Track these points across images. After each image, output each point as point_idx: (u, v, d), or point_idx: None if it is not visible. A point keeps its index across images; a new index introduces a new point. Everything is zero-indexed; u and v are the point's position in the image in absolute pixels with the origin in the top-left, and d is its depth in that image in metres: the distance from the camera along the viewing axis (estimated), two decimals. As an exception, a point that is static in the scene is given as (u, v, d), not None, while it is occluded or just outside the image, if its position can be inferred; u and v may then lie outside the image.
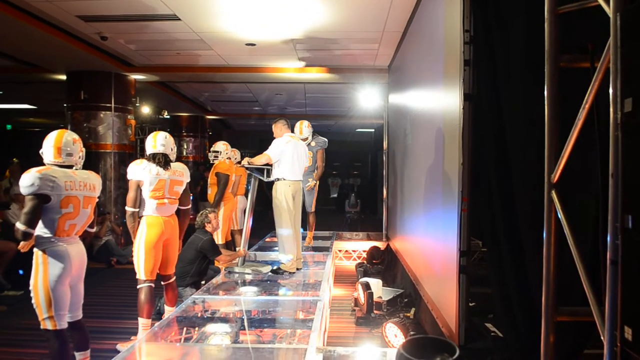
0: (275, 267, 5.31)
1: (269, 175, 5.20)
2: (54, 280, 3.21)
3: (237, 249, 5.37)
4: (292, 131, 5.66)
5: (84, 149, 3.51)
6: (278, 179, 5.16)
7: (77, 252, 3.35)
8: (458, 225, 3.34)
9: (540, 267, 2.07)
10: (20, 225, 3.12)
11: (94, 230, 3.58)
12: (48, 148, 3.34)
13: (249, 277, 5.11)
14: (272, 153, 5.10)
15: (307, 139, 5.78)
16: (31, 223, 3.13)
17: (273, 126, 5.36)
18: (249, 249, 6.70)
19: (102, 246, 7.90)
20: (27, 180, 3.12)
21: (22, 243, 3.22)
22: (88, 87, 8.54)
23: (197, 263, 4.97)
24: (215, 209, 6.14)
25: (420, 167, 5.05)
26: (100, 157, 8.66)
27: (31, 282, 3.22)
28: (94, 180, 3.45)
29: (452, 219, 3.47)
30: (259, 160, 5.10)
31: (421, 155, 4.98)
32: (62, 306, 3.25)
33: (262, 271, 5.17)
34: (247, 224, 5.36)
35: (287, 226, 5.18)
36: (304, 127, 5.94)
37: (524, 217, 2.78)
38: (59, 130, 3.43)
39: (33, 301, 3.22)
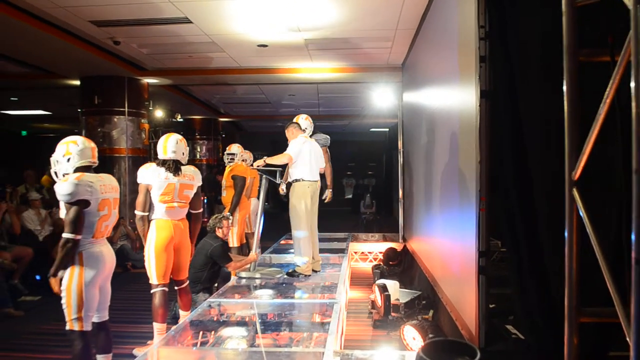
0: (290, 270, 5.32)
1: (280, 177, 5.22)
2: (88, 282, 3.29)
3: (250, 253, 5.37)
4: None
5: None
6: (297, 180, 5.18)
7: (109, 252, 3.47)
8: (476, 225, 3.31)
9: (560, 267, 2.04)
10: (68, 235, 3.21)
11: (116, 232, 3.70)
12: (81, 150, 3.42)
13: (260, 282, 5.11)
14: (292, 152, 5.13)
15: (304, 130, 5.71)
16: (78, 229, 3.24)
17: (286, 130, 5.40)
18: (263, 252, 6.73)
19: (118, 251, 7.92)
20: (67, 189, 3.22)
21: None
22: (101, 92, 8.64)
23: (208, 269, 4.98)
24: (231, 213, 6.17)
25: (436, 166, 5.02)
26: (114, 162, 8.76)
27: (64, 283, 3.28)
28: (115, 182, 3.60)
29: (470, 218, 3.44)
30: (280, 160, 5.10)
31: (437, 154, 4.97)
32: (91, 307, 3.32)
33: (274, 276, 5.16)
34: (258, 227, 5.36)
35: (304, 228, 5.20)
36: (300, 120, 5.81)
37: (543, 217, 2.75)
38: (80, 137, 3.53)
39: (63, 301, 3.28)
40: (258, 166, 5.13)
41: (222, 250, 5.03)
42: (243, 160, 6.91)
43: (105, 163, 8.48)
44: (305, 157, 5.17)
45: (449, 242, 4.41)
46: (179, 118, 12.25)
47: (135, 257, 7.95)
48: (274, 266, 5.86)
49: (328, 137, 6.00)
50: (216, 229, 5.18)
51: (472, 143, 3.41)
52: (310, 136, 5.65)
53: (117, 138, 8.75)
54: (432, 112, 5.34)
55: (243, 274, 5.21)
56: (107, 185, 3.44)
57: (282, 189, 5.65)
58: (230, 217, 5.71)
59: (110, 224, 3.48)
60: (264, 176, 5.22)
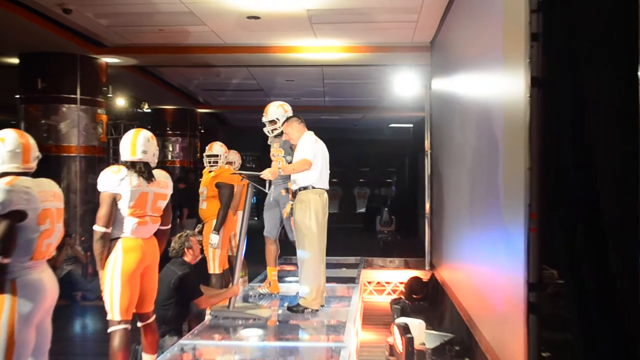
0: (293, 304, 5.30)
1: (270, 186, 5.21)
2: (22, 319, 3.23)
3: (230, 285, 5.32)
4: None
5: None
6: (305, 188, 5.20)
7: (50, 279, 3.42)
8: (525, 249, 3.30)
9: (638, 304, 2.01)
10: None
11: (55, 254, 3.64)
12: (11, 152, 3.40)
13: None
14: (309, 155, 5.14)
15: (275, 123, 5.64)
16: (8, 249, 3.18)
17: (285, 126, 5.41)
18: (250, 281, 6.67)
19: (64, 278, 7.91)
20: None
21: None
22: (47, 73, 8.66)
23: (174, 305, 4.95)
24: (217, 231, 6.14)
25: (473, 174, 5.03)
26: (62, 163, 8.76)
27: None
28: (57, 189, 3.56)
29: (516, 241, 3.44)
30: (300, 168, 5.11)
31: (475, 158, 4.97)
32: (24, 352, 3.26)
33: (261, 316, 5.09)
34: (241, 250, 5.29)
35: (314, 249, 5.19)
36: (270, 108, 5.64)
37: (614, 238, 2.72)
38: (15, 130, 3.51)
39: None
40: (242, 174, 5.15)
41: (188, 280, 4.99)
42: (229, 164, 6.89)
43: (50, 164, 8.44)
44: (316, 160, 5.19)
45: (489, 271, 4.40)
46: (146, 108, 12.25)
47: (86, 286, 7.94)
48: (264, 298, 5.81)
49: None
50: (184, 251, 5.16)
51: (519, 144, 3.40)
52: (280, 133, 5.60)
53: (66, 133, 8.76)
54: (468, 104, 5.35)
55: (218, 313, 5.14)
56: (47, 192, 3.40)
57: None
58: (197, 234, 5.67)
59: (54, 241, 3.45)
60: (250, 184, 5.19)
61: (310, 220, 5.15)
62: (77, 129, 8.79)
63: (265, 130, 5.73)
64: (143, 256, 4.13)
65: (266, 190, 5.19)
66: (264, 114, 5.74)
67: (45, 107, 8.73)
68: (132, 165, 4.16)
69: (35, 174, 3.49)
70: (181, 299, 4.99)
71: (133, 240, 4.12)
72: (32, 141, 3.53)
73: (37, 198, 3.31)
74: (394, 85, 9.15)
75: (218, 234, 6.17)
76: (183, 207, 11.52)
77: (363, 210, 18.81)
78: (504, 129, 3.88)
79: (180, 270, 5.01)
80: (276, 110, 5.68)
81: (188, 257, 5.17)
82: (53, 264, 7.85)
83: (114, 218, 4.09)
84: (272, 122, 5.67)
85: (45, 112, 8.73)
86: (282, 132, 5.54)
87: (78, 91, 8.79)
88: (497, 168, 4.08)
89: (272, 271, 5.87)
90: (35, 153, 3.52)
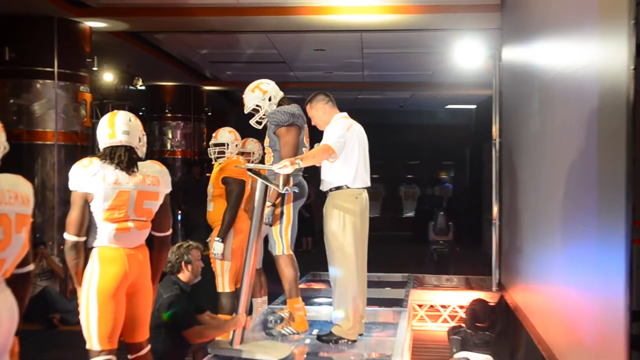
0: (325, 333, 5.31)
1: (286, 183, 5.14)
2: None
3: (235, 314, 5.28)
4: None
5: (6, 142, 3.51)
6: (337, 188, 5.24)
7: (6, 306, 3.28)
8: (626, 266, 3.28)
9: None
10: None
11: (28, 269, 3.57)
12: None
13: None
14: (333, 142, 5.12)
15: (257, 112, 5.56)
16: None
17: (309, 109, 5.44)
18: (270, 300, 6.68)
19: (38, 296, 7.99)
20: None
21: None
22: (15, 40, 8.70)
23: (164, 337, 5.00)
24: (222, 239, 6.17)
25: (556, 169, 5.01)
26: (36, 153, 8.83)
27: None
28: (25, 188, 3.44)
29: (615, 256, 3.41)
30: (319, 157, 5.11)
31: (559, 149, 4.94)
32: None
33: (274, 357, 5.06)
34: (250, 266, 5.16)
35: (349, 265, 5.21)
36: (245, 96, 5.61)
37: None
38: None
39: None
40: (249, 168, 5.10)
41: (179, 306, 5.02)
42: (240, 154, 6.93)
43: (21, 155, 8.56)
44: (351, 151, 5.21)
45: (578, 294, 4.36)
46: (140, 85, 12.33)
47: (66, 306, 8.00)
48: (284, 332, 5.73)
49: (288, 109, 5.52)
50: (181, 267, 5.20)
51: (619, 130, 3.37)
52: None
53: (41, 115, 8.83)
54: (551, 79, 5.30)
55: (217, 351, 5.08)
56: (4, 193, 3.24)
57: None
58: (200, 247, 5.69)
59: (11, 257, 3.26)
60: (260, 182, 5.10)
61: (344, 230, 5.17)
62: (54, 111, 8.85)
63: (251, 123, 5.69)
64: (125, 270, 4.14)
65: (281, 189, 5.05)
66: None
67: (15, 83, 8.79)
68: (111, 153, 4.18)
69: (2, 168, 3.45)
70: (172, 329, 5.03)
71: (112, 250, 4.14)
72: None
73: None
74: (452, 56, 9.18)
75: (223, 241, 6.20)
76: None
77: (412, 214, 18.83)
78: (599, 111, 3.85)
79: (168, 291, 5.06)
80: (251, 96, 5.62)
81: (184, 275, 5.22)
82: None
83: (87, 223, 4.12)
84: (255, 110, 5.64)
85: (15, 90, 8.78)
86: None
87: (55, 63, 8.82)
88: (589, 161, 4.06)
89: (293, 304, 5.58)
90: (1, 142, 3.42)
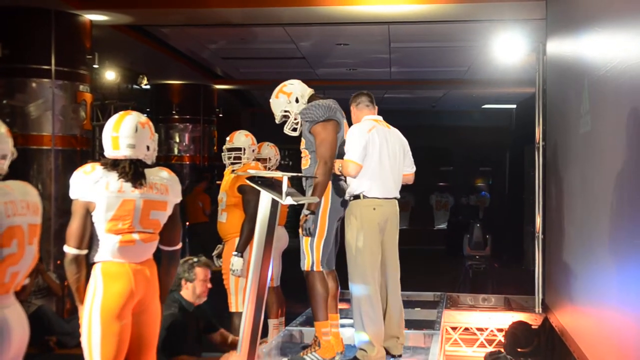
0: (350, 358, 5.31)
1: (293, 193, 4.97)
2: None
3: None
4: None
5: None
6: (355, 197, 5.31)
7: (19, 320, 3.44)
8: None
9: None
10: None
11: (26, 282, 3.72)
12: None
13: None
14: (355, 154, 5.16)
15: (286, 118, 5.43)
16: None
17: (353, 106, 5.54)
18: (287, 324, 6.63)
19: (32, 316, 7.91)
20: None
21: None
22: (9, 35, 8.72)
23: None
24: (240, 252, 6.13)
25: (608, 175, 5.01)
26: (31, 158, 8.85)
27: None
28: (33, 196, 3.58)
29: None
30: (344, 171, 5.17)
31: (611, 153, 4.95)
32: None
33: None
34: (253, 294, 4.88)
35: (362, 281, 5.26)
36: (271, 101, 5.56)
37: None
38: None
39: None
40: (250, 176, 4.99)
41: (174, 329, 5.09)
42: (260, 161, 6.88)
43: (16, 160, 8.43)
44: (371, 155, 5.24)
45: (634, 317, 4.33)
46: (145, 84, 12.37)
47: (63, 328, 7.99)
48: (307, 359, 5.63)
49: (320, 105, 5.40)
50: (181, 282, 5.27)
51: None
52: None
53: (37, 117, 8.83)
54: (603, 76, 5.25)
55: None
56: (16, 203, 3.41)
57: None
58: (213, 265, 5.67)
59: (23, 269, 3.46)
60: (262, 193, 4.87)
61: (357, 241, 5.25)
62: (51, 113, 8.86)
63: (286, 131, 5.59)
64: (131, 287, 4.13)
65: (282, 201, 4.74)
66: None
67: (8, 83, 8.82)
68: (114, 164, 4.18)
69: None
70: (170, 353, 5.07)
71: (116, 266, 4.14)
72: (2, 129, 3.56)
73: (1, 211, 3.31)
74: (490, 50, 9.19)
75: (242, 256, 6.18)
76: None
77: (444, 226, 18.94)
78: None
79: (166, 310, 5.03)
80: (276, 103, 5.53)
81: (187, 294, 5.29)
82: (20, 297, 7.97)
83: (89, 236, 4.13)
84: (285, 117, 5.53)
85: (8, 90, 8.80)
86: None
87: (52, 60, 8.83)
88: None
89: (320, 327, 5.38)
90: (4, 146, 3.55)
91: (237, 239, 6.37)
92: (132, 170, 4.16)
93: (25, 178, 8.09)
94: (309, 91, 5.55)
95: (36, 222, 3.53)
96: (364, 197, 5.25)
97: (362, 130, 5.25)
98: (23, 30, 8.77)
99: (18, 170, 8.19)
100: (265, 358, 5.37)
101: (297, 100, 5.45)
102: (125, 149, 4.18)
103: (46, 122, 8.86)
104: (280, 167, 7.49)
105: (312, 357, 5.37)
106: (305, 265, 5.36)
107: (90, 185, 4.10)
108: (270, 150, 7.24)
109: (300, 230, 5.26)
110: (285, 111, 5.49)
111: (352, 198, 5.31)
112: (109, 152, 4.21)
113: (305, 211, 5.20)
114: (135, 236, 4.16)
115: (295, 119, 5.44)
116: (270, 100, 5.61)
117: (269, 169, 7.09)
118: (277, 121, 5.59)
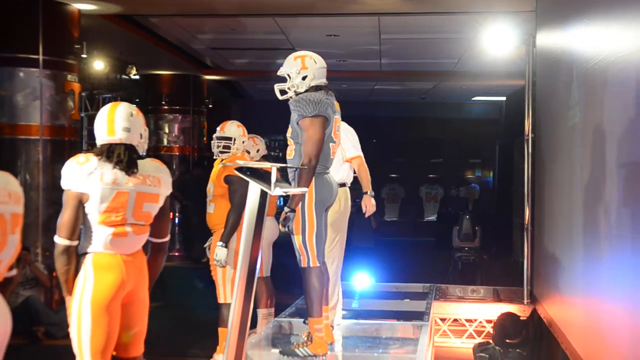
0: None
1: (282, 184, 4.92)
2: None
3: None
4: None
5: None
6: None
7: (0, 311, 3.32)
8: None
9: None
10: None
11: (11, 274, 3.59)
12: None
13: None
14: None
15: (285, 81, 5.32)
16: None
17: None
18: (276, 315, 6.66)
19: (20, 307, 7.96)
20: None
21: None
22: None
23: None
24: (225, 243, 6.13)
25: (598, 167, 5.01)
26: (18, 149, 8.81)
27: None
28: (13, 185, 3.48)
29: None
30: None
31: (601, 145, 4.90)
32: None
33: None
34: (241, 288, 4.82)
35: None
36: (289, 57, 5.34)
37: None
38: None
39: None
40: (238, 166, 4.86)
41: None
42: (247, 152, 6.94)
43: (3, 150, 8.59)
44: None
45: (622, 308, 4.34)
46: (134, 74, 12.32)
47: (51, 319, 7.99)
48: (298, 353, 5.64)
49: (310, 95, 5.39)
50: None
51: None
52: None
53: (25, 107, 8.78)
54: (592, 68, 5.25)
55: None
56: None
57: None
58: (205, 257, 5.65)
59: (6, 259, 3.37)
60: (250, 184, 4.80)
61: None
62: (39, 102, 8.80)
63: (275, 87, 5.38)
64: (122, 278, 4.15)
65: (270, 192, 4.67)
66: None
67: (-6, 72, 8.81)
68: (109, 151, 4.17)
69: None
70: None
71: (108, 257, 4.15)
72: None
73: None
74: (480, 42, 9.23)
75: (226, 246, 6.17)
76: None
77: (434, 217, 18.81)
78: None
79: None
80: (290, 63, 5.27)
81: None
82: (4, 288, 7.95)
83: (79, 227, 4.13)
84: (284, 77, 5.31)
85: (-5, 79, 8.80)
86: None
87: (40, 50, 8.76)
88: (636, 158, 4.03)
89: (313, 323, 5.28)
90: None
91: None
92: (127, 157, 4.17)
93: (12, 168, 8.24)
94: (320, 81, 5.25)
95: (19, 212, 3.39)
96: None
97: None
98: (10, 19, 8.71)
99: (5, 161, 8.33)
100: (254, 349, 5.35)
101: (303, 78, 5.21)
102: (120, 132, 4.19)
103: (34, 112, 8.79)
104: (270, 158, 7.48)
105: (303, 351, 5.27)
106: (302, 262, 5.26)
107: (84, 176, 4.10)
108: (248, 142, 7.11)
109: (280, 227, 5.23)
110: (289, 75, 5.24)
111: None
112: (104, 138, 4.22)
113: (286, 209, 5.10)
114: (128, 228, 4.18)
115: (288, 89, 5.21)
116: (289, 56, 5.35)
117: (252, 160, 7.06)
118: (278, 73, 5.35)
